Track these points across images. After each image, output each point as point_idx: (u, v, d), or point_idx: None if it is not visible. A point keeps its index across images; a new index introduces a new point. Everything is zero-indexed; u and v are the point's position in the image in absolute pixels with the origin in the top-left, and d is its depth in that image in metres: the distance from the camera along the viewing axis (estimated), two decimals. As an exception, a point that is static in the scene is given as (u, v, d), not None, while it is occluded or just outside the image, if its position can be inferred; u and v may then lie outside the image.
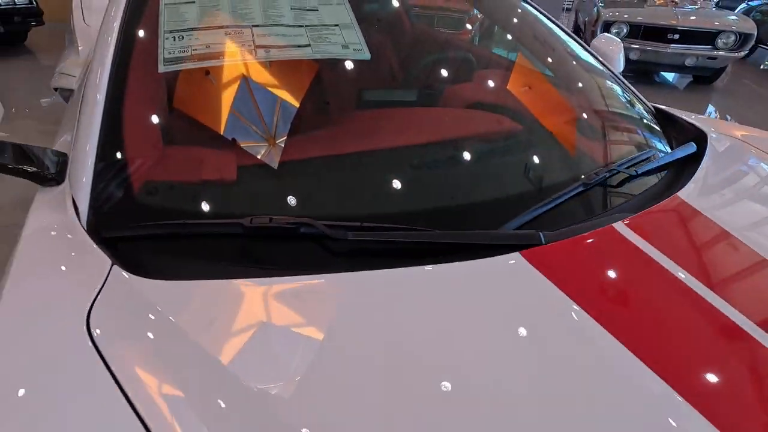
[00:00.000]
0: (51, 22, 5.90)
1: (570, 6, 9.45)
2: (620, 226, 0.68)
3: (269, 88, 0.84)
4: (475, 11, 1.38)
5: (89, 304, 0.49)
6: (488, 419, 0.44)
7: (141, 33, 0.86)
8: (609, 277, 0.61)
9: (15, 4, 5.30)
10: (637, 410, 0.46)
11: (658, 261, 0.64)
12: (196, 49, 0.83)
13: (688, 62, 4.96)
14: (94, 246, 0.57)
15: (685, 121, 1.18)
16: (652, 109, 1.24)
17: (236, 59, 0.83)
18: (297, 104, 0.80)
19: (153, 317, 0.49)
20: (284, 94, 0.82)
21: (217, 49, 0.83)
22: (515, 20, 1.34)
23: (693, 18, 4.95)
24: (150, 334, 0.47)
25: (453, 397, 0.45)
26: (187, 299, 0.51)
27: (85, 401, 0.42)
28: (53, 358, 0.46)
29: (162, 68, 0.80)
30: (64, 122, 1.26)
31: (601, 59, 1.32)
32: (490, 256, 0.59)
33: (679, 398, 0.45)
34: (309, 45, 0.88)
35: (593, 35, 5.19)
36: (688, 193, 0.80)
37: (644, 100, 1.27)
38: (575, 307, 0.55)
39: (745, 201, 0.84)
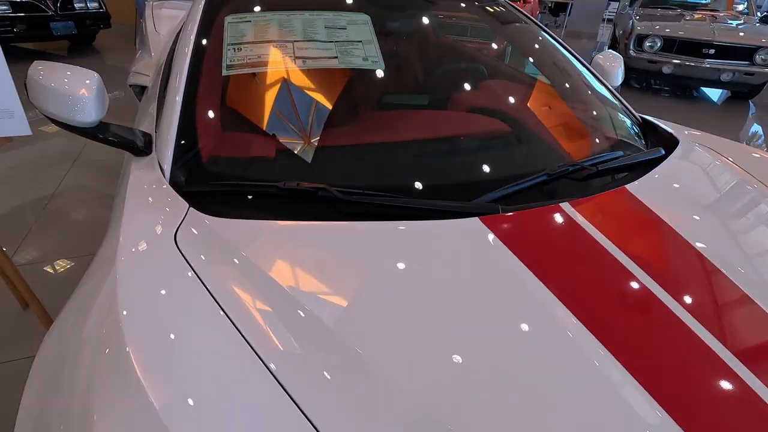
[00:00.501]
0: (116, 23, 6.51)
1: (612, 17, 9.37)
2: (566, 206, 0.87)
3: (303, 90, 1.08)
4: (478, 26, 1.57)
5: (175, 229, 0.74)
6: (434, 317, 0.65)
7: (209, 45, 1.12)
8: (545, 241, 0.80)
9: (87, 9, 5.90)
10: (556, 342, 0.63)
11: (590, 233, 0.82)
12: (250, 59, 1.08)
13: (724, 77, 4.91)
14: (176, 195, 0.82)
15: (664, 130, 1.34)
16: (639, 118, 1.40)
17: (280, 67, 1.08)
18: (323, 103, 1.05)
19: (215, 238, 0.73)
20: (314, 95, 1.07)
21: (265, 58, 1.08)
22: (514, 35, 1.54)
23: (730, 33, 4.89)
24: (214, 246, 0.71)
25: (415, 301, 0.67)
26: (234, 229, 0.75)
27: (173, 287, 0.66)
28: (154, 260, 0.71)
29: (225, 72, 1.06)
30: (140, 110, 1.56)
31: (594, 72, 1.50)
32: (457, 218, 0.80)
33: (593, 338, 0.63)
34: (336, 57, 1.12)
35: (626, 48, 5.24)
36: (635, 186, 0.97)
37: (631, 110, 1.43)
38: (514, 258, 0.75)
39: (688, 198, 1.00)
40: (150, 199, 0.82)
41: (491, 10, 1.53)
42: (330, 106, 1.05)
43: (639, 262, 0.76)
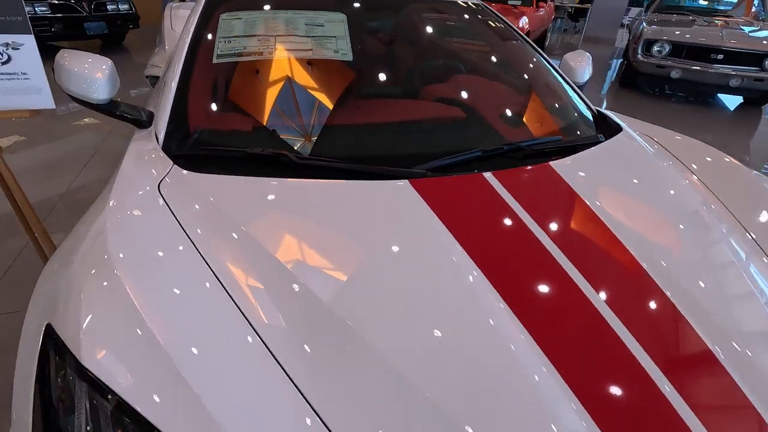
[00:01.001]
0: (144, 24, 6.91)
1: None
2: (488, 175, 1.02)
3: (279, 76, 1.27)
4: (445, 25, 1.73)
5: (160, 180, 0.93)
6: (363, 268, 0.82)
7: (204, 38, 1.32)
8: (458, 199, 0.95)
9: (119, 11, 6.29)
10: (453, 274, 0.78)
11: (504, 198, 0.97)
12: (236, 50, 1.28)
13: (733, 83, 4.90)
14: (165, 156, 1.01)
15: (613, 120, 1.47)
16: (595, 111, 1.53)
17: (260, 57, 1.27)
18: (293, 87, 1.23)
19: (189, 186, 0.92)
20: (287, 81, 1.25)
21: (249, 50, 1.28)
22: (477, 32, 1.69)
23: (740, 39, 4.88)
24: (187, 193, 0.90)
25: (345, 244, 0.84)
26: (204, 181, 0.94)
27: (153, 229, 0.85)
28: (140, 205, 0.90)
29: (215, 60, 1.25)
30: (152, 96, 1.77)
31: (556, 68, 1.64)
32: (391, 179, 0.97)
33: (484, 278, 0.77)
34: (311, 49, 1.30)
35: (635, 53, 5.29)
36: (558, 163, 1.12)
37: (587, 102, 1.56)
38: (432, 214, 0.91)
39: (606, 176, 1.14)
40: (144, 158, 1.02)
41: (461, 10, 1.69)
42: (299, 90, 1.24)
43: (541, 223, 0.91)
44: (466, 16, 1.69)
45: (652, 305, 0.79)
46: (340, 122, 1.17)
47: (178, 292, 0.73)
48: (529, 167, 1.09)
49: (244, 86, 1.26)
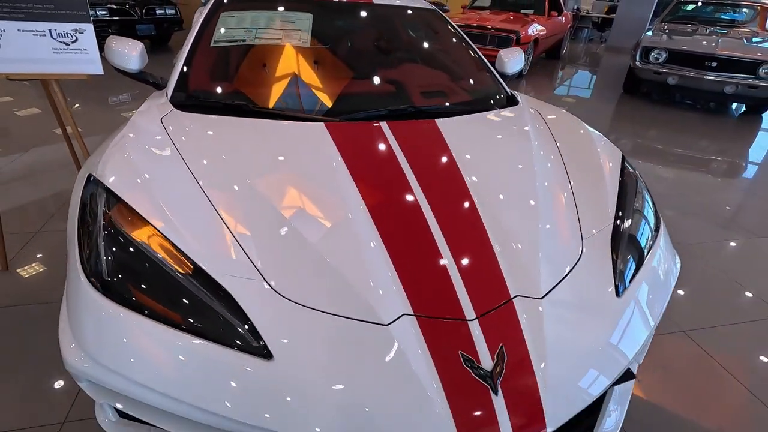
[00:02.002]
0: (188, 27, 7.72)
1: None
2: (383, 124, 1.48)
3: (255, 55, 1.78)
4: (394, 22, 2.18)
5: (162, 116, 1.44)
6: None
7: (208, 29, 1.84)
8: (356, 138, 1.40)
9: (166, 15, 7.11)
10: (335, 186, 1.22)
11: (387, 138, 1.42)
12: (227, 37, 1.79)
13: (728, 90, 5.07)
14: (170, 104, 1.53)
15: (516, 99, 1.88)
16: (506, 91, 1.94)
17: (245, 43, 1.79)
18: (263, 62, 1.74)
19: (181, 119, 1.42)
20: (260, 59, 1.76)
21: (237, 38, 1.79)
22: (416, 26, 2.16)
23: (735, 47, 5.05)
24: (177, 123, 1.40)
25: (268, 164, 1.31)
26: (191, 117, 1.43)
27: (153, 140, 1.35)
28: (148, 128, 1.40)
29: (212, 44, 1.77)
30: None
31: (480, 56, 2.06)
32: (313, 122, 1.44)
33: (362, 202, 1.20)
34: (281, 38, 1.80)
35: (634, 59, 5.55)
36: (441, 120, 1.55)
37: (500, 83, 1.97)
38: (332, 143, 1.36)
39: (476, 133, 1.55)
40: (156, 105, 1.54)
41: (405, 11, 2.16)
42: (267, 65, 1.74)
43: (408, 156, 1.34)
44: (408, 16, 2.16)
45: (460, 203, 1.21)
46: (288, 85, 1.67)
47: (162, 169, 1.22)
48: (418, 121, 1.53)
49: (230, 62, 1.78)
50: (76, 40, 1.68)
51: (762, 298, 2.09)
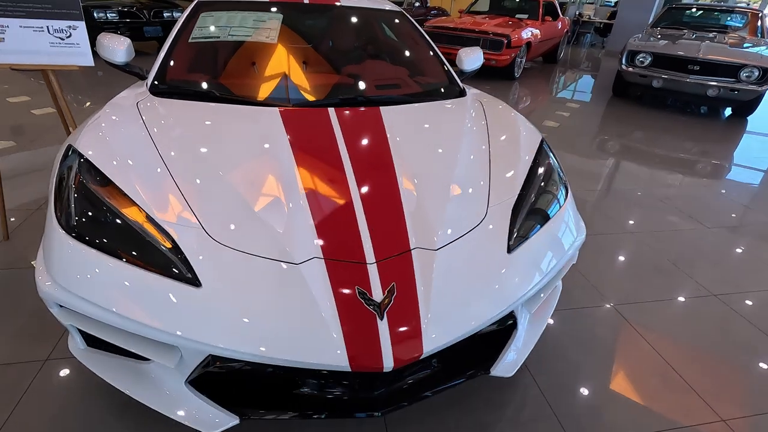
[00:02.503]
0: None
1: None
2: (331, 110, 1.68)
3: (227, 50, 2.00)
4: (353, 22, 2.38)
5: (138, 100, 1.66)
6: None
7: (187, 28, 2.06)
8: (304, 124, 1.61)
9: (173, 17, 7.41)
10: (275, 163, 1.43)
11: (332, 122, 1.62)
12: (204, 35, 2.02)
13: (710, 93, 5.19)
14: (147, 91, 1.75)
15: (466, 92, 2.08)
16: (460, 85, 2.13)
17: (219, 39, 2.01)
18: (234, 55, 1.97)
19: (154, 103, 1.64)
20: (231, 53, 1.99)
21: (213, 35, 2.02)
22: (376, 25, 2.37)
23: (717, 51, 5.17)
24: (151, 108, 1.62)
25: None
26: (162, 102, 1.65)
27: (131, 142, 1.56)
28: (124, 110, 1.62)
29: (190, 41, 2.00)
30: None
31: (436, 54, 2.26)
32: (270, 107, 1.65)
33: (295, 167, 1.40)
34: (250, 36, 2.02)
35: (620, 63, 5.70)
36: (385, 108, 1.75)
37: (454, 78, 2.17)
38: (281, 124, 1.57)
39: (416, 118, 1.75)
40: (135, 92, 1.76)
41: (367, 12, 2.36)
42: (236, 58, 1.97)
43: (345, 133, 1.55)
44: (372, 16, 2.37)
45: (381, 172, 1.40)
46: (251, 76, 1.88)
47: (130, 140, 1.43)
48: (362, 108, 1.74)
49: (204, 56, 2.01)
50: (70, 35, 1.92)
51: (696, 280, 2.24)
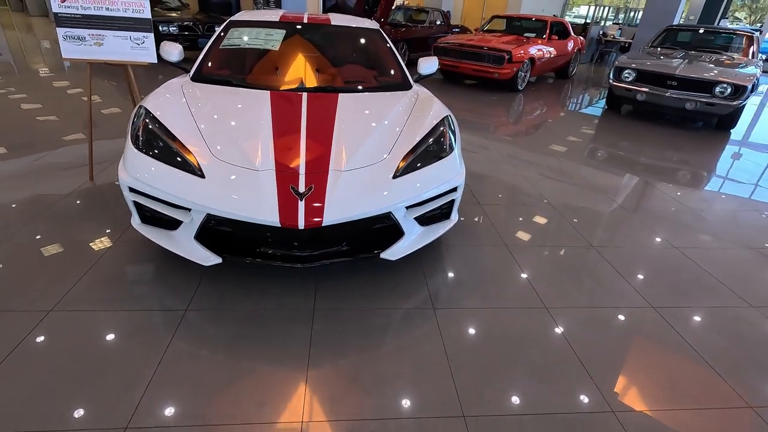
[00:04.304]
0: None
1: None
2: (304, 95, 2.53)
3: (244, 54, 2.92)
4: (337, 36, 3.25)
5: (182, 84, 2.58)
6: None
7: (220, 38, 2.99)
8: (282, 100, 2.45)
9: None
10: (258, 117, 2.27)
11: (302, 102, 2.46)
12: (231, 44, 2.94)
13: (688, 106, 5.67)
14: (191, 79, 2.68)
15: (413, 87, 2.88)
16: (410, 83, 2.94)
17: (240, 46, 2.93)
18: (250, 58, 2.88)
19: (194, 87, 2.55)
20: (249, 56, 2.90)
21: (236, 43, 2.94)
22: (357, 39, 3.22)
23: (694, 70, 5.65)
24: (192, 90, 2.53)
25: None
26: (199, 86, 2.56)
27: (175, 104, 2.46)
28: (172, 90, 2.53)
29: (222, 46, 2.93)
30: None
31: (399, 62, 3.08)
32: (263, 90, 2.53)
33: (270, 121, 2.25)
34: (261, 45, 2.92)
35: (608, 78, 6.29)
36: (342, 95, 2.58)
37: (407, 77, 2.98)
38: (269, 103, 2.42)
39: (363, 101, 2.56)
40: (181, 80, 2.68)
41: (352, 30, 3.22)
42: (250, 58, 2.87)
43: (308, 110, 2.38)
44: (353, 33, 3.23)
45: (324, 127, 2.22)
46: (258, 71, 2.78)
47: (175, 103, 2.33)
48: (324, 94, 2.57)
49: (227, 57, 2.93)
50: (143, 42, 2.89)
51: (587, 240, 2.88)
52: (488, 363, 1.79)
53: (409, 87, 2.90)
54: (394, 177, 2.06)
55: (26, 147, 3.71)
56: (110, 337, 1.78)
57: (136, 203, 2.08)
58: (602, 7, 20.03)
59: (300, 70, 2.86)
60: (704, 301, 2.31)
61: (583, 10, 24.66)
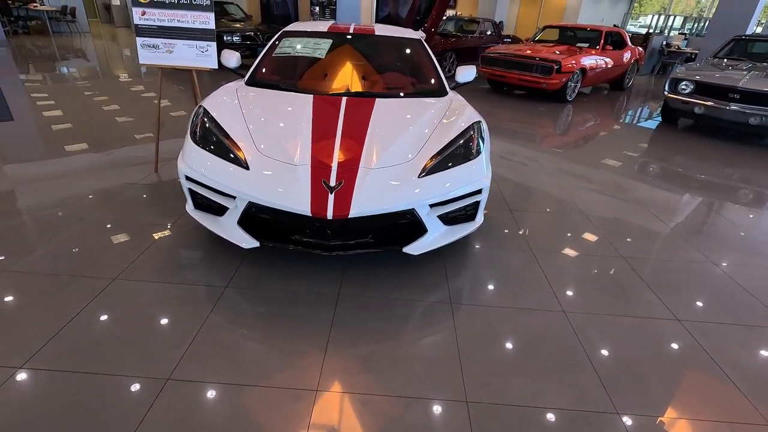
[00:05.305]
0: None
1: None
2: (344, 99, 2.73)
3: (295, 61, 3.18)
4: (381, 46, 3.43)
5: (237, 87, 2.87)
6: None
7: (274, 47, 3.28)
8: (324, 104, 2.66)
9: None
10: (300, 119, 2.50)
11: (341, 106, 2.66)
12: (284, 52, 3.23)
13: (752, 121, 5.33)
14: (245, 84, 2.97)
15: (449, 94, 3.01)
16: (447, 90, 3.08)
17: (290, 54, 3.20)
18: (303, 64, 3.16)
19: (248, 90, 2.84)
20: (301, 62, 3.18)
21: (288, 51, 3.22)
22: (399, 50, 3.39)
23: (756, 81, 5.30)
24: (245, 93, 2.81)
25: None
26: (253, 90, 2.84)
27: (230, 105, 2.74)
28: (228, 93, 2.82)
29: (274, 54, 3.21)
30: None
31: (438, 71, 3.22)
32: (308, 94, 2.76)
33: (310, 123, 2.48)
34: (310, 53, 3.18)
35: (664, 89, 6.06)
36: (378, 100, 2.75)
37: (444, 85, 3.11)
38: (311, 106, 2.64)
39: (395, 106, 2.72)
40: (237, 83, 2.98)
41: (393, 40, 3.40)
42: (301, 65, 3.13)
43: (346, 113, 2.57)
44: (395, 42, 3.40)
45: (359, 129, 2.40)
46: (305, 77, 3.02)
47: (229, 105, 2.61)
48: (362, 98, 2.76)
49: (278, 64, 3.19)
50: (207, 50, 3.24)
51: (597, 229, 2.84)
52: (498, 357, 1.86)
53: (444, 94, 3.02)
54: (420, 176, 2.19)
55: (104, 143, 4.22)
56: (160, 305, 2.04)
57: (190, 190, 2.36)
58: (670, 16, 18.99)
59: (342, 76, 3.07)
60: (736, 318, 2.23)
61: (650, 19, 23.49)
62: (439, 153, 2.31)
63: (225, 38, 8.44)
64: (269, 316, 2.03)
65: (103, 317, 1.94)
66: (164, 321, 1.94)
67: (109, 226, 2.71)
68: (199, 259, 2.42)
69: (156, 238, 2.60)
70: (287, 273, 2.34)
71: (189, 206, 2.43)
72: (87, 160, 3.74)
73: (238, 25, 9.23)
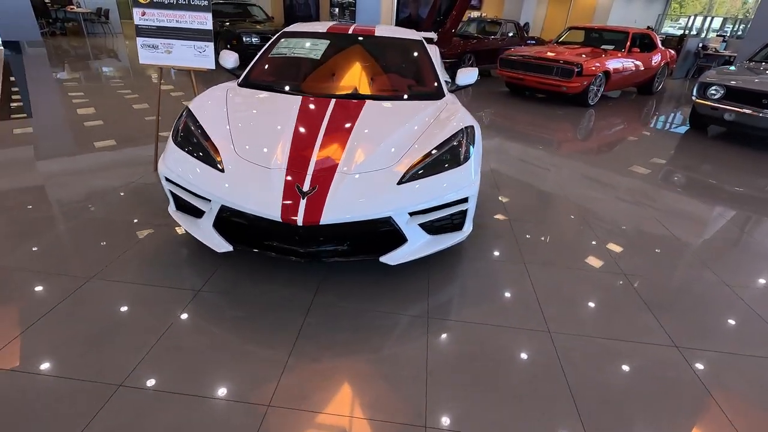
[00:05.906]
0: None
1: None
2: (332, 101, 2.66)
3: (291, 61, 3.14)
4: (379, 46, 3.33)
5: (228, 89, 2.85)
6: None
7: (272, 47, 3.25)
8: (310, 106, 2.59)
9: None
10: (282, 122, 2.45)
11: (328, 109, 2.59)
12: (281, 52, 3.19)
13: (788, 129, 4.94)
14: (239, 86, 2.94)
15: (445, 96, 2.89)
16: (444, 92, 2.96)
17: (287, 55, 3.15)
18: (296, 65, 3.10)
19: (238, 91, 2.81)
20: (296, 62, 3.12)
21: (284, 52, 3.18)
22: (399, 51, 3.29)
23: (797, 87, 4.91)
24: (236, 94, 2.79)
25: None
26: (243, 91, 2.81)
27: (215, 107, 2.72)
28: (217, 94, 2.79)
29: (271, 55, 3.18)
30: None
31: (437, 72, 3.11)
32: (296, 95, 2.71)
33: (293, 126, 2.43)
34: (305, 54, 3.12)
35: (692, 94, 5.74)
36: (368, 102, 2.67)
37: (443, 88, 2.99)
38: (297, 109, 2.58)
39: (385, 109, 2.62)
40: (229, 84, 2.96)
41: (393, 41, 3.30)
42: (295, 67, 3.08)
43: (331, 116, 2.50)
44: (392, 43, 3.30)
45: (342, 132, 2.32)
46: (295, 78, 2.97)
47: (215, 107, 2.57)
48: (352, 101, 2.68)
49: (277, 65, 3.15)
50: (205, 51, 3.24)
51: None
52: (467, 379, 1.74)
53: (440, 97, 2.91)
54: (399, 183, 2.09)
55: (131, 140, 4.31)
56: (130, 306, 2.02)
57: (171, 192, 2.34)
58: (710, 18, 18.12)
59: (334, 78, 3.01)
60: (745, 347, 2.02)
61: (687, 20, 22.43)
62: (422, 159, 2.21)
63: (244, 39, 8.55)
64: (238, 321, 1.97)
65: (69, 318, 1.93)
66: (130, 323, 1.92)
67: (95, 225, 2.73)
68: (181, 260, 2.40)
69: (141, 237, 2.60)
70: (265, 277, 2.29)
71: (171, 207, 2.41)
72: (110, 158, 3.81)
73: (258, 27, 9.34)
